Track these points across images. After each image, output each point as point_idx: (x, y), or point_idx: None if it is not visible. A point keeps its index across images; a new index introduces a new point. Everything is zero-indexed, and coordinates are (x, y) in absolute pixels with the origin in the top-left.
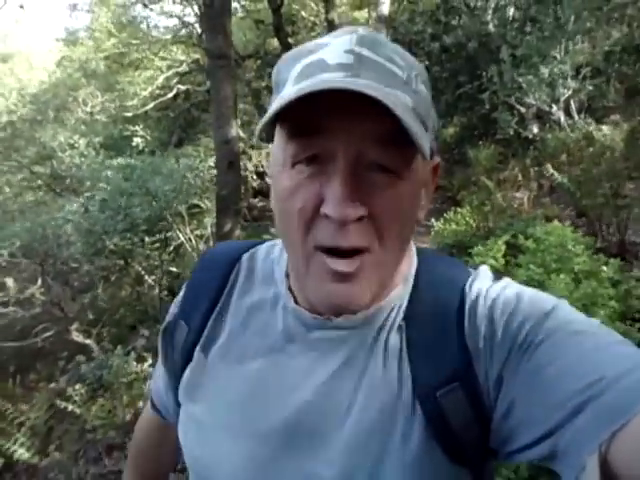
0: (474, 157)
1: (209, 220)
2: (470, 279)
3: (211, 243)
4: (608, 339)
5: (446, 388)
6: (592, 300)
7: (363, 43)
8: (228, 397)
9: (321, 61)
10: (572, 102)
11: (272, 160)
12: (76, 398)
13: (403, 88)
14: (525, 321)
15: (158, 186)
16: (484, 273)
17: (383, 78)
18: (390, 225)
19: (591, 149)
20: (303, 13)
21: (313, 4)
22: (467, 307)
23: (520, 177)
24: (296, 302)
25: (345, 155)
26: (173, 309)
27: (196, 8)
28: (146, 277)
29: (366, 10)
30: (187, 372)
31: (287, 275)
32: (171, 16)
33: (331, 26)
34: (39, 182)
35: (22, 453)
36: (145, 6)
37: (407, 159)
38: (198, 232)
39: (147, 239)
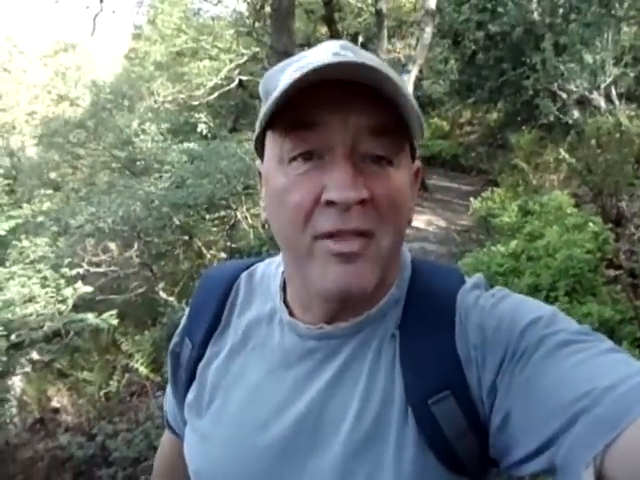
0: (515, 142)
1: None
2: (463, 288)
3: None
4: (599, 347)
5: (437, 396)
6: (573, 242)
7: (346, 48)
8: (229, 412)
9: (309, 64)
10: (613, 88)
11: (265, 166)
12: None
13: (387, 70)
14: (517, 330)
15: (228, 167)
16: (477, 282)
17: (367, 68)
18: (390, 211)
19: (617, 135)
20: (350, 0)
21: None
22: (458, 316)
23: (551, 160)
24: (291, 315)
25: (343, 145)
26: (179, 328)
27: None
28: (205, 251)
29: None
30: (192, 389)
31: (282, 288)
32: (226, 7)
33: (379, 15)
34: (114, 165)
35: (143, 370)
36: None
37: (399, 147)
38: (254, 210)
39: (207, 216)
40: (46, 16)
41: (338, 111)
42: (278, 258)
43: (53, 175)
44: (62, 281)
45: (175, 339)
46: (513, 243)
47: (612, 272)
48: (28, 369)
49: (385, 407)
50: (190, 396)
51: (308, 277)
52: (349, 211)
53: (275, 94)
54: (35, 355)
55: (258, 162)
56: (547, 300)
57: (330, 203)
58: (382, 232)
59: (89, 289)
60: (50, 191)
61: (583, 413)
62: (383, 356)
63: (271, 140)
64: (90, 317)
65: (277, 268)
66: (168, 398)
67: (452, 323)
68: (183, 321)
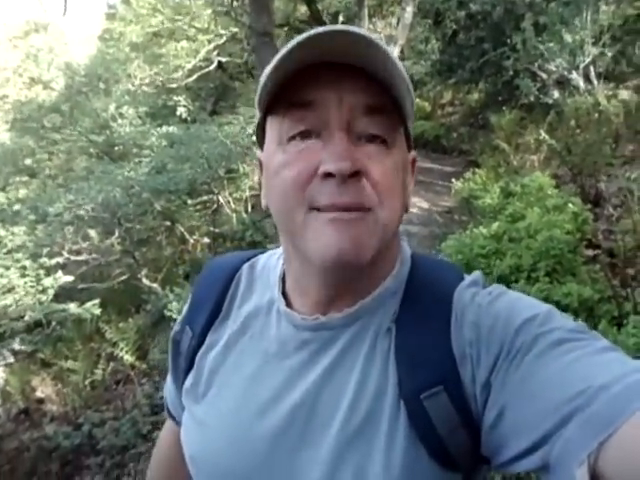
0: (496, 122)
1: (247, 183)
2: (460, 285)
3: (249, 205)
4: (595, 345)
5: (430, 391)
6: (554, 224)
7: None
8: (225, 400)
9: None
10: (592, 68)
11: (265, 151)
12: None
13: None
14: (512, 328)
15: (210, 151)
16: (475, 279)
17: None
18: (386, 187)
19: (596, 115)
20: None
21: None
22: (454, 312)
23: (532, 141)
24: (289, 306)
25: (339, 122)
26: (180, 318)
27: None
28: (187, 237)
29: None
30: (190, 375)
31: (282, 279)
32: None
33: None
34: (91, 150)
35: (128, 357)
36: None
37: (393, 126)
38: (236, 195)
39: (189, 202)
40: None
41: (333, 90)
42: (279, 250)
43: (28, 161)
44: (42, 271)
45: (176, 327)
46: (495, 225)
47: (591, 252)
48: (11, 360)
49: (378, 399)
50: (188, 382)
51: (304, 249)
52: (345, 184)
53: (267, 71)
54: (17, 345)
55: (258, 151)
56: (528, 280)
57: (327, 175)
58: (378, 207)
59: (70, 278)
60: (26, 178)
61: (577, 412)
62: (378, 349)
63: (271, 124)
64: (72, 307)
65: (278, 260)
66: (168, 386)
67: (448, 319)
68: (184, 310)
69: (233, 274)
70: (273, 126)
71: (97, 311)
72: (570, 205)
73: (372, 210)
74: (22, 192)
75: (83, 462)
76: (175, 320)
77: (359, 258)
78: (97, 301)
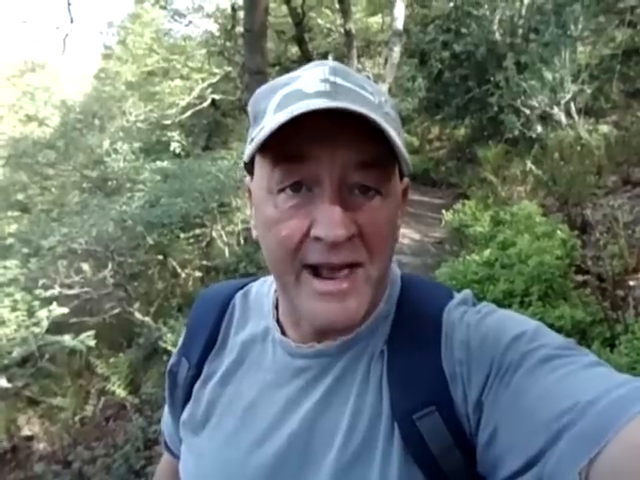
0: (483, 156)
1: (240, 216)
2: (450, 304)
3: (241, 238)
4: (582, 361)
5: (422, 412)
6: (544, 250)
7: (336, 73)
8: (224, 431)
9: (298, 91)
10: (572, 104)
11: (255, 190)
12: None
13: (376, 111)
14: (501, 346)
15: (204, 185)
16: (464, 298)
17: (359, 102)
18: (378, 241)
19: (579, 148)
20: (319, 21)
21: (329, 11)
22: (444, 332)
23: (518, 173)
24: (284, 333)
25: (330, 180)
26: (177, 349)
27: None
28: (179, 270)
29: (380, 16)
30: (188, 407)
31: (275, 307)
32: (197, 27)
33: (349, 36)
34: (84, 185)
35: (120, 392)
36: (174, 20)
37: (388, 177)
38: (229, 228)
39: (182, 235)
40: (13, 36)
41: (326, 144)
42: (271, 277)
43: (21, 196)
44: (36, 303)
45: (173, 359)
46: (487, 252)
47: (580, 277)
48: None
49: (373, 423)
50: (185, 414)
51: (295, 305)
52: (337, 246)
53: (262, 133)
54: (3, 382)
55: (248, 179)
56: (521, 305)
57: (319, 238)
58: (370, 263)
59: (65, 310)
60: (17, 213)
61: (567, 429)
62: (372, 372)
63: (260, 165)
64: (67, 338)
65: (270, 287)
66: (165, 419)
67: (438, 339)
68: (180, 341)
69: (227, 303)
70: (263, 169)
71: (92, 342)
72: (558, 232)
73: (364, 266)
74: (13, 227)
75: None
76: (169, 352)
77: (350, 324)
78: (92, 332)
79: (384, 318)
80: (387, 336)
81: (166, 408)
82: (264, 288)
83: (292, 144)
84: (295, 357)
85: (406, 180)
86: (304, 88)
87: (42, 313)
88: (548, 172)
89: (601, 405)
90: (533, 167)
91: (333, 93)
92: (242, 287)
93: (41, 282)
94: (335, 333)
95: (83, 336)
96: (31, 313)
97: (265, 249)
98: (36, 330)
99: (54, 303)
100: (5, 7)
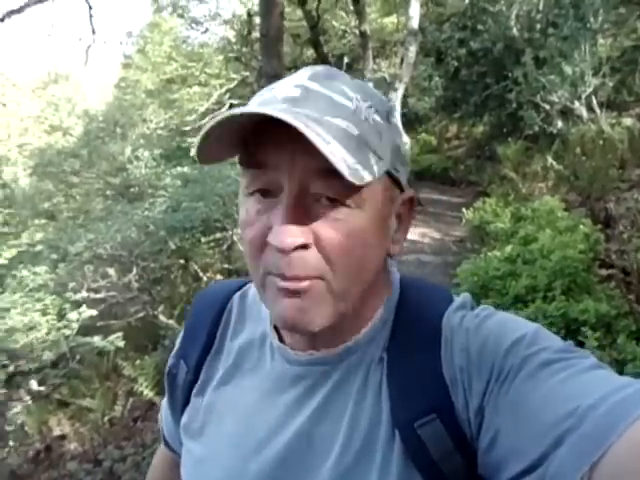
0: (503, 153)
1: None
2: (449, 309)
3: None
4: (582, 364)
5: (423, 419)
6: (567, 244)
7: (315, 78)
8: (222, 437)
9: (272, 97)
10: (594, 98)
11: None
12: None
13: (349, 118)
14: (500, 351)
15: (224, 189)
16: (463, 302)
17: (326, 108)
18: (339, 255)
19: (601, 142)
20: (334, 23)
21: (344, 13)
22: (444, 339)
23: (539, 169)
24: (281, 339)
25: (289, 187)
26: (174, 351)
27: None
28: (201, 274)
29: (395, 16)
30: (186, 412)
31: None
32: (215, 34)
33: (364, 37)
34: (108, 192)
35: (147, 392)
36: (191, 27)
37: (354, 189)
38: None
39: (203, 239)
40: (36, 48)
41: (285, 152)
42: None
43: (47, 205)
44: (67, 305)
45: (171, 360)
46: (508, 248)
47: (604, 271)
48: (27, 400)
49: (372, 430)
50: (184, 419)
51: (266, 307)
52: (289, 255)
53: (206, 126)
54: (35, 386)
55: None
56: (545, 300)
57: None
58: (331, 276)
59: (94, 312)
60: (44, 221)
61: (568, 433)
62: (371, 379)
63: (240, 168)
64: (96, 340)
65: None
66: (165, 416)
67: (438, 345)
68: (177, 343)
69: (224, 305)
70: (241, 173)
71: (121, 343)
72: (581, 226)
73: (323, 278)
74: (39, 235)
75: None
76: None
77: (310, 326)
78: (120, 334)
79: (383, 324)
80: (386, 342)
81: (164, 404)
82: None
83: (256, 150)
84: (293, 364)
85: (410, 191)
86: (277, 94)
87: (72, 315)
88: (570, 167)
89: (602, 409)
90: (554, 162)
91: (300, 99)
92: (240, 288)
93: (72, 285)
94: (304, 335)
95: (112, 337)
96: (62, 316)
97: (243, 249)
98: (67, 332)
99: (83, 306)
100: (30, 22)
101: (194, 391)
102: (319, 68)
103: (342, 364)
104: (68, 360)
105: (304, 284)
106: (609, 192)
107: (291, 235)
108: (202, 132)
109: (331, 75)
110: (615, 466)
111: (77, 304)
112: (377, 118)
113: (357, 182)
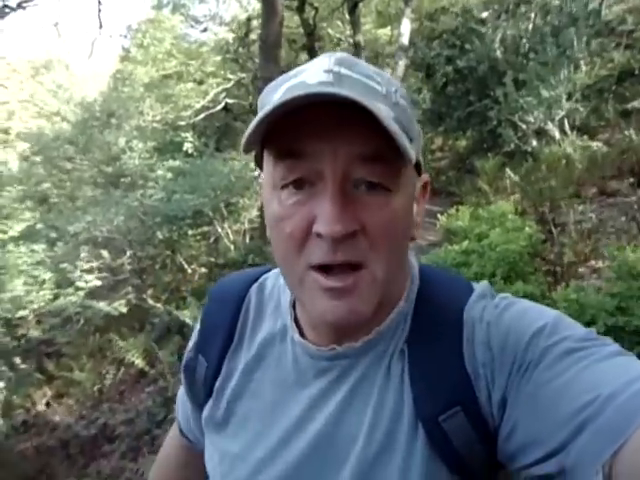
0: (481, 167)
1: (247, 215)
2: (470, 300)
3: (247, 237)
4: (602, 352)
5: (448, 413)
6: (511, 240)
7: (341, 63)
8: (248, 430)
9: (302, 82)
10: (566, 121)
11: (263, 185)
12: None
13: (384, 101)
14: (522, 343)
15: (216, 183)
16: (483, 291)
17: (363, 92)
18: (383, 239)
19: (564, 162)
20: (330, 31)
21: (340, 22)
22: (465, 332)
23: (507, 183)
24: (302, 333)
25: (333, 175)
26: (191, 344)
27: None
28: (186, 266)
29: (389, 28)
30: (208, 406)
31: (292, 305)
32: (215, 34)
33: (357, 47)
34: (99, 180)
35: (139, 362)
36: (191, 26)
37: (395, 173)
38: (236, 227)
39: (190, 232)
40: (39, 35)
41: (327, 139)
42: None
43: (40, 188)
44: (77, 274)
45: (188, 355)
46: (465, 243)
47: (544, 267)
48: (9, 374)
49: (395, 422)
50: (206, 412)
51: (303, 304)
52: (339, 244)
53: (257, 118)
54: (18, 360)
55: (259, 172)
56: (489, 283)
57: (320, 235)
58: (375, 262)
59: (99, 283)
60: (32, 204)
61: (588, 422)
62: (393, 371)
63: (266, 161)
64: (102, 305)
65: None
66: (182, 408)
67: (460, 338)
68: (195, 337)
69: (242, 298)
70: (268, 165)
71: (124, 309)
72: (527, 228)
73: (368, 267)
74: (28, 214)
75: (99, 450)
76: (188, 324)
77: (357, 322)
78: (123, 301)
79: (404, 316)
80: (407, 334)
81: (181, 395)
82: (280, 282)
83: (293, 140)
84: (316, 359)
85: (425, 176)
86: (307, 79)
87: (81, 283)
88: (535, 184)
89: (621, 399)
90: (512, 175)
91: (336, 83)
92: (256, 279)
93: (78, 262)
94: (346, 331)
95: (116, 304)
96: (70, 283)
97: (273, 246)
98: (73, 299)
99: (92, 275)
100: (40, 10)
101: (216, 386)
102: (338, 54)
103: (365, 357)
104: (76, 322)
105: (349, 281)
106: (562, 205)
107: (342, 223)
108: (259, 117)
109: (353, 60)
110: (636, 457)
111: (71, 282)
112: (403, 102)
113: (412, 162)
